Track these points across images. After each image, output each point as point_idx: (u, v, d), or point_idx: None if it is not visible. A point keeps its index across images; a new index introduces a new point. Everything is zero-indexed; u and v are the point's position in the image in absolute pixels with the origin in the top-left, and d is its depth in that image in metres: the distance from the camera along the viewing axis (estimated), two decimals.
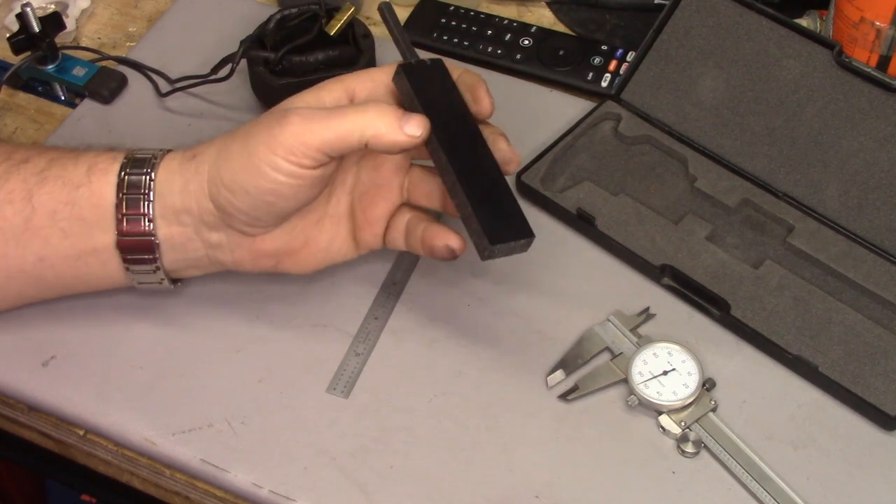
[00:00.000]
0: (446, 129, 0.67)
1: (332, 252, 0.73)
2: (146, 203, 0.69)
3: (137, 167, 0.69)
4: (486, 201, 0.64)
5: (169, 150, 0.71)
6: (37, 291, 0.73)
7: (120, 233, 0.69)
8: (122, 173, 0.69)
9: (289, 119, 0.65)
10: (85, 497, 1.23)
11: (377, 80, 0.70)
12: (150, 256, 0.70)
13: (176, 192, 0.69)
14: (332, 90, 0.69)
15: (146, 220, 0.69)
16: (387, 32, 0.98)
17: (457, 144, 0.67)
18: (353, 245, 0.73)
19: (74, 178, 0.69)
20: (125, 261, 0.70)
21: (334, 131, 0.65)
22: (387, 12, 0.72)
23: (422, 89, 0.68)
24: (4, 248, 0.69)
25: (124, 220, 0.69)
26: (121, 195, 0.69)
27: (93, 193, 0.69)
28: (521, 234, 0.63)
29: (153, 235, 0.69)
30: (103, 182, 0.69)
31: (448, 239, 0.70)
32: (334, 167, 0.68)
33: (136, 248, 0.70)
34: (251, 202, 0.67)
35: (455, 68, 0.71)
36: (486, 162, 0.67)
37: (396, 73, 0.69)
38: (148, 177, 0.69)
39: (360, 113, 0.66)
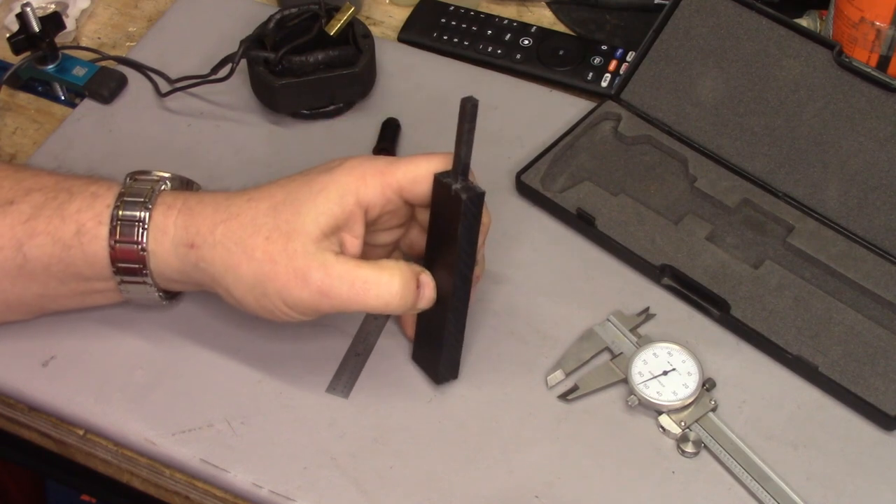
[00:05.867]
0: (465, 264, 0.67)
1: None
2: (143, 270, 0.69)
3: (126, 235, 0.68)
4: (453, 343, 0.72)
5: (156, 200, 0.69)
6: (39, 315, 0.74)
7: (120, 282, 0.70)
8: (112, 240, 0.68)
9: (308, 285, 0.64)
10: (85, 497, 1.23)
11: (388, 195, 0.67)
12: (152, 295, 0.71)
13: (174, 271, 0.69)
14: (345, 205, 0.66)
15: (147, 279, 0.69)
16: (387, 33, 0.98)
17: (465, 284, 0.68)
18: None
19: (64, 237, 0.68)
20: (126, 294, 0.71)
21: (354, 306, 0.65)
22: (470, 109, 0.63)
23: (466, 223, 0.65)
24: (2, 285, 0.70)
25: (122, 280, 0.70)
26: (116, 266, 0.69)
27: (86, 254, 0.68)
28: (452, 376, 0.73)
29: (154, 287, 0.70)
30: (95, 246, 0.68)
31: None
32: None
33: (139, 293, 0.71)
34: (259, 317, 0.68)
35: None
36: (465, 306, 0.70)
37: (445, 187, 0.65)
38: (139, 246, 0.68)
39: (385, 290, 0.65)
